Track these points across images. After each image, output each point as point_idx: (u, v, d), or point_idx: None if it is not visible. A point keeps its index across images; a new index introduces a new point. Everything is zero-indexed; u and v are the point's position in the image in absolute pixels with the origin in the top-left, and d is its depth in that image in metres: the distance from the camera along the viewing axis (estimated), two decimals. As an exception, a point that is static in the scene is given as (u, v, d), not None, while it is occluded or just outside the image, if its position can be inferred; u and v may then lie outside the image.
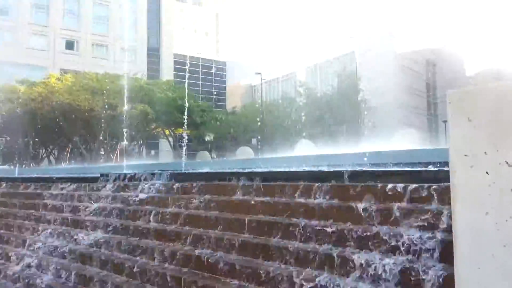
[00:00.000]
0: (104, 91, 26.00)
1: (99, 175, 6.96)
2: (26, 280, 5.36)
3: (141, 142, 35.54)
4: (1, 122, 26.03)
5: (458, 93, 2.15)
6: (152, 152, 56.30)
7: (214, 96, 71.47)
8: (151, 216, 5.06)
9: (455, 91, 2.21)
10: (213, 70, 74.99)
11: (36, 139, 32.43)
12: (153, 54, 64.63)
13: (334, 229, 3.25)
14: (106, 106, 24.78)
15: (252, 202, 4.16)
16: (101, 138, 29.08)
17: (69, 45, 57.38)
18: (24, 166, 31.23)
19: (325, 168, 4.99)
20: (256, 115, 52.21)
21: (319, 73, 59.19)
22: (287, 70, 67.70)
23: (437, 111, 50.84)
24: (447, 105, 2.32)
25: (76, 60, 55.98)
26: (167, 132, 34.92)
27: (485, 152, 2.11)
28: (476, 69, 53.41)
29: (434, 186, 2.97)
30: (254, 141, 45.00)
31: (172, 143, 39.03)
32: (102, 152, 29.87)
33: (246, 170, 5.04)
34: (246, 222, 3.97)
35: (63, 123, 26.35)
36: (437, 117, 49.09)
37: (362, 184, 3.47)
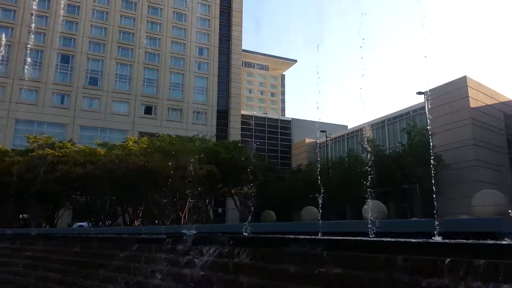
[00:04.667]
0: (174, 153, 27.58)
1: (165, 236, 7.07)
2: None
3: (208, 200, 36.46)
4: (82, 182, 28.42)
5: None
6: (220, 209, 57.20)
7: (279, 155, 72.20)
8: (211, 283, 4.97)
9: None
10: (279, 129, 76.42)
11: (113, 198, 34.56)
12: (222, 115, 68.03)
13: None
14: (176, 167, 26.17)
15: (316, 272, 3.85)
16: (171, 197, 30.40)
17: (148, 110, 62.70)
18: (100, 223, 33.20)
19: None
20: (321, 173, 51.43)
21: (387, 129, 57.69)
22: (353, 126, 67.01)
23: (522, 168, 46.33)
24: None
25: (153, 123, 60.63)
26: (232, 191, 35.53)
27: None
28: None
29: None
30: (320, 200, 43.95)
31: (237, 202, 39.49)
32: (172, 211, 31.03)
33: (312, 236, 4.68)
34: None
35: (137, 183, 28.02)
36: (523, 175, 44.61)
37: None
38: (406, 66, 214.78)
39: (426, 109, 45.65)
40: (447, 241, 3.17)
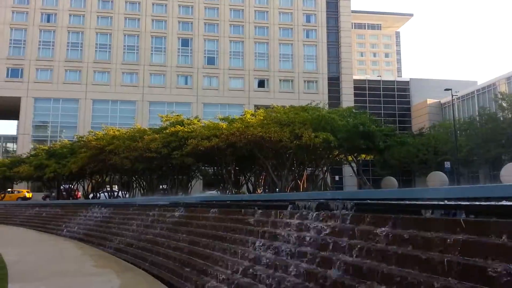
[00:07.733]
0: (291, 123, 28.31)
1: (288, 203, 7.56)
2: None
3: (325, 168, 36.68)
4: (209, 154, 31.14)
5: None
6: (336, 177, 57.13)
7: (397, 118, 68.25)
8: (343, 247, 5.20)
9: None
10: (395, 91, 71.87)
11: (237, 168, 37.08)
12: (334, 82, 66.66)
13: None
14: (292, 136, 26.90)
15: (449, 240, 3.72)
16: (290, 166, 31.42)
17: (261, 83, 64.84)
18: (228, 192, 36.11)
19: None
20: (448, 135, 47.34)
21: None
22: (484, 81, 59.50)
23: None
24: None
25: (266, 96, 62.55)
26: (349, 158, 35.06)
27: None
28: None
29: None
30: (447, 164, 40.66)
31: (355, 169, 38.86)
32: (291, 179, 32.15)
33: (446, 202, 4.43)
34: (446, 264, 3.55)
35: (257, 153, 29.59)
36: None
37: None
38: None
39: None
40: None
